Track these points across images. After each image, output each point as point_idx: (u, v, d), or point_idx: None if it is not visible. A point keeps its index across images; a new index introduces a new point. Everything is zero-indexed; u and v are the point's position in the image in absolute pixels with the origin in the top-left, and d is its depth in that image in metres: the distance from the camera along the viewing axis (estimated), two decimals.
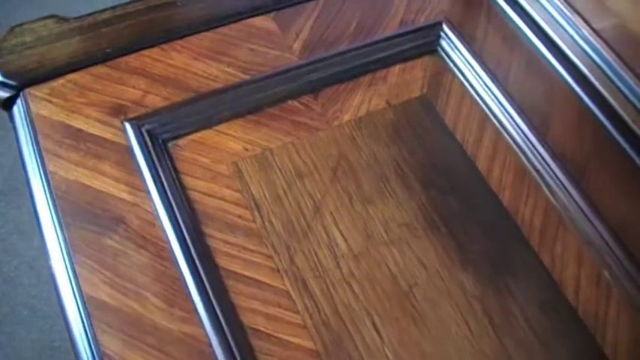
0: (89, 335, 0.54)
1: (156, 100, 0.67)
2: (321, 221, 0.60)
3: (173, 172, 0.62)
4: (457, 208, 0.61)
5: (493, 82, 0.68)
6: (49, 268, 0.58)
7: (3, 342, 1.32)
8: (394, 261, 0.58)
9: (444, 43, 0.72)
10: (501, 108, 0.67)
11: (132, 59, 0.70)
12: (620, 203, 0.61)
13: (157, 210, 0.59)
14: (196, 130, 0.65)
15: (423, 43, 0.72)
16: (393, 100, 0.68)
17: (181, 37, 0.72)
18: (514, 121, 0.66)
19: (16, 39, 0.70)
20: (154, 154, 0.63)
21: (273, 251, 0.58)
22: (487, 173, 0.64)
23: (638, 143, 0.63)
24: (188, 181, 0.62)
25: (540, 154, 0.64)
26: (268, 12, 0.74)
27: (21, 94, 0.68)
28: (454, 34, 0.72)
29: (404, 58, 0.71)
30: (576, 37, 0.68)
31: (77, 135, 0.65)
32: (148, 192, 0.61)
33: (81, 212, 0.60)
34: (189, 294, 0.55)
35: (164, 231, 0.58)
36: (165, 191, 0.60)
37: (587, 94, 0.66)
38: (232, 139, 0.65)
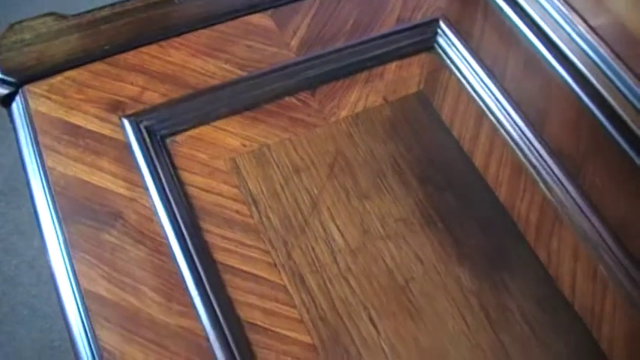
0: (87, 329, 0.54)
1: (154, 96, 0.67)
2: (318, 216, 0.60)
3: (171, 168, 0.62)
4: (454, 204, 0.62)
5: (490, 78, 0.69)
6: (48, 263, 0.58)
7: (3, 341, 1.32)
8: (391, 256, 0.58)
9: (440, 40, 0.72)
10: (498, 104, 0.67)
11: (130, 56, 0.70)
12: (616, 199, 0.62)
13: (154, 205, 0.60)
14: (194, 127, 0.66)
15: (420, 40, 0.72)
16: (390, 96, 0.69)
17: (179, 35, 0.72)
18: (511, 118, 0.66)
19: (15, 36, 0.70)
20: (152, 150, 0.63)
21: (271, 246, 0.59)
22: (484, 169, 0.64)
23: (634, 139, 0.63)
24: (186, 176, 0.62)
25: (537, 150, 0.64)
26: (265, 9, 0.75)
27: (20, 90, 0.68)
28: (451, 31, 0.72)
29: (401, 55, 0.71)
30: (573, 34, 0.68)
31: (76, 131, 0.65)
32: (146, 187, 0.61)
33: (79, 207, 0.60)
34: (186, 288, 0.56)
35: (162, 226, 0.59)
36: (163, 187, 0.61)
37: (583, 90, 0.66)
38: (230, 135, 0.65)
